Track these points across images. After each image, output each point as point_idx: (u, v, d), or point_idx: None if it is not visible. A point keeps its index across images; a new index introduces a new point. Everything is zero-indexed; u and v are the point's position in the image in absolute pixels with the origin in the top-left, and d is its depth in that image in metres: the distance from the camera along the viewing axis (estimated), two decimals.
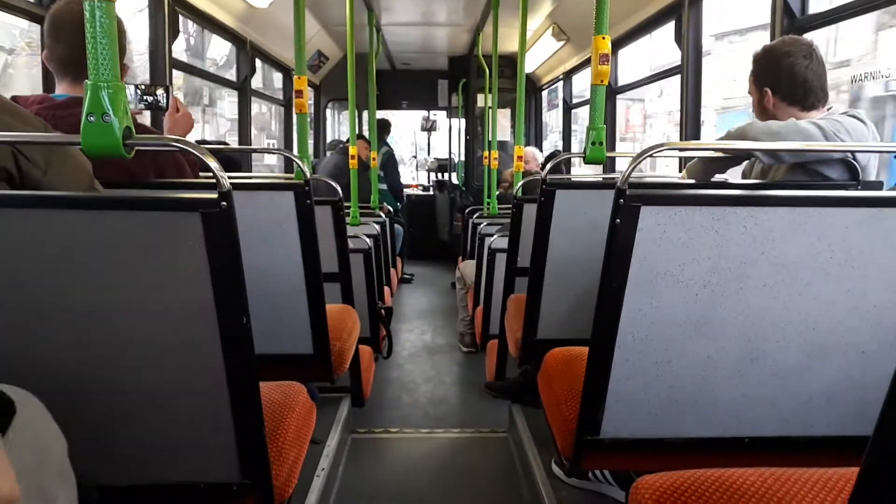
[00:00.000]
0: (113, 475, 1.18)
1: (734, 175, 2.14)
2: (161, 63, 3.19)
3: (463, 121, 7.60)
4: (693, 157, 2.13)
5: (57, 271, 1.04)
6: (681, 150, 2.38)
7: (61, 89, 1.72)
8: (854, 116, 1.76)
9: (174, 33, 3.27)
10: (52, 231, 1.02)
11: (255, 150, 4.30)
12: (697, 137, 3.24)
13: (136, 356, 1.10)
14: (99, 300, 1.06)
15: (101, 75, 0.97)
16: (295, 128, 2.88)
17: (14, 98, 1.61)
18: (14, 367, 1.07)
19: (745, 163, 2.09)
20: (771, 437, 1.34)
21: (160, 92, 2.00)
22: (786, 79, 1.85)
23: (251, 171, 4.67)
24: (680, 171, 3.05)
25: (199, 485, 1.21)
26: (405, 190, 7.25)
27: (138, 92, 1.97)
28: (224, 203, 1.00)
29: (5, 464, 0.71)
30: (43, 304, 1.06)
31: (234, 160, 3.34)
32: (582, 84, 5.91)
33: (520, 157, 3.66)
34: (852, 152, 1.74)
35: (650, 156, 1.31)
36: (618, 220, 1.15)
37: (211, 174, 1.01)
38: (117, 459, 1.18)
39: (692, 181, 2.03)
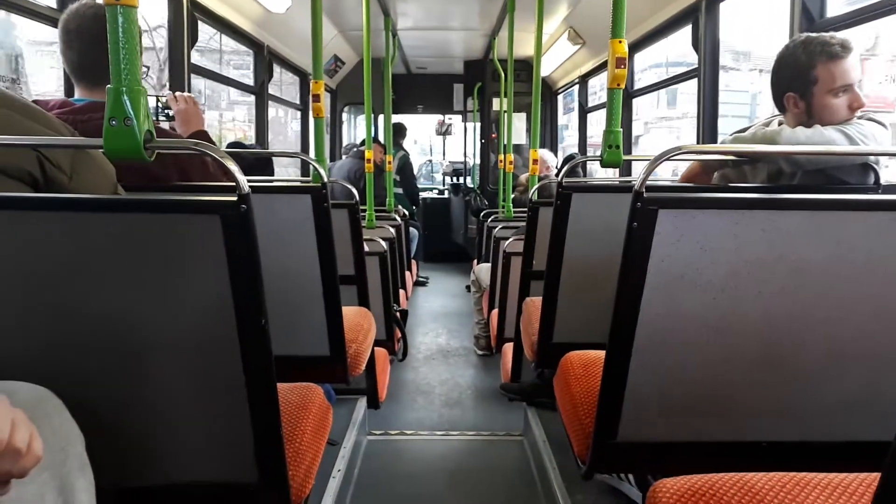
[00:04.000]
0: (131, 475, 1.19)
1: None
2: (180, 68, 3.22)
3: (478, 124, 7.61)
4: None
5: (78, 272, 1.06)
6: (699, 153, 2.37)
7: (79, 93, 1.73)
8: (872, 120, 1.73)
9: (193, 39, 3.31)
10: (74, 233, 1.04)
11: (273, 154, 4.34)
12: (714, 140, 3.22)
13: (156, 357, 1.11)
14: (119, 301, 1.07)
15: (123, 80, 0.98)
16: (312, 131, 2.90)
17: (35, 101, 1.64)
18: (35, 367, 1.08)
19: (729, 170, 2.07)
20: (790, 441, 1.33)
21: None
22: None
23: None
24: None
25: (217, 485, 1.22)
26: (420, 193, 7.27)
27: (159, 105, 2.01)
28: (244, 206, 1.00)
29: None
30: (63, 304, 1.07)
31: (265, 161, 3.36)
32: (597, 87, 5.90)
33: (534, 161, 3.66)
34: (875, 156, 1.72)
35: (668, 159, 1.29)
36: (635, 224, 1.14)
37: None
38: (135, 459, 1.18)
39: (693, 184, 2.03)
